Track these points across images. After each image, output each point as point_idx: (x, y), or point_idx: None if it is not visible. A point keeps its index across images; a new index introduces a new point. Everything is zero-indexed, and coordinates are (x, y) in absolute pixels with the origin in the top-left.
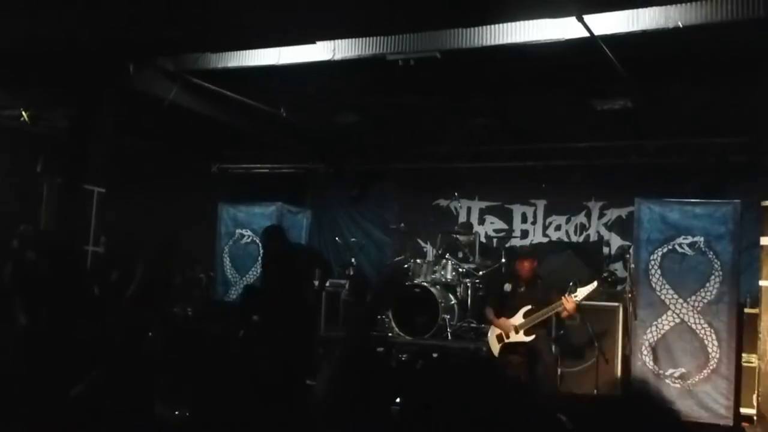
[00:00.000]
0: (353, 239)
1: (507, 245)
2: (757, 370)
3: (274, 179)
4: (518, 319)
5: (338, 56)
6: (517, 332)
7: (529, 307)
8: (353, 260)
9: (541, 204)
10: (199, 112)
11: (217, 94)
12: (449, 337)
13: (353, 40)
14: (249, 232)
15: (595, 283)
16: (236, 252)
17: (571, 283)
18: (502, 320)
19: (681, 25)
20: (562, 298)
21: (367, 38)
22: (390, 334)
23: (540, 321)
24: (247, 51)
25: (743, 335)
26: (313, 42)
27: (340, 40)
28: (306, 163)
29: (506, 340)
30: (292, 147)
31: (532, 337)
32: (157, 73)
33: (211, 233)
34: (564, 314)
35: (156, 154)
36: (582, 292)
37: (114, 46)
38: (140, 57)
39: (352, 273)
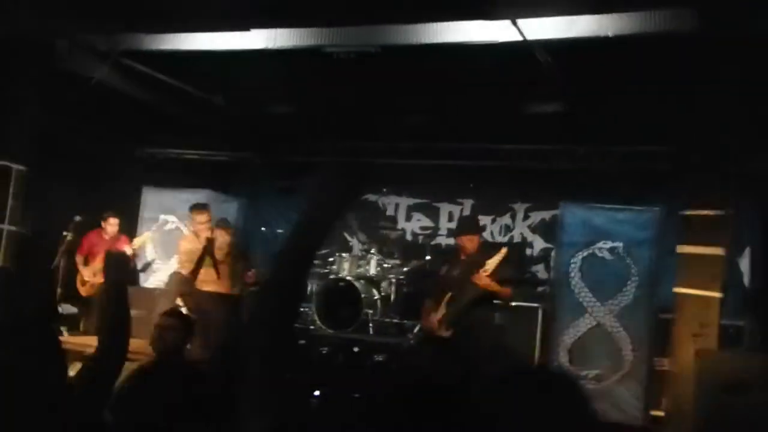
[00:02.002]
0: (280, 230)
1: (433, 243)
2: (668, 374)
3: (203, 166)
4: (442, 310)
5: (275, 45)
6: (439, 327)
7: (450, 294)
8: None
9: (468, 203)
10: (128, 94)
11: (148, 77)
12: (371, 332)
13: (290, 30)
14: (174, 218)
15: (504, 250)
16: (159, 238)
17: None
18: (430, 318)
19: (611, 35)
20: (475, 277)
21: (306, 29)
22: (312, 327)
23: (462, 311)
24: (182, 34)
25: (657, 340)
26: (247, 29)
27: (278, 30)
28: (236, 151)
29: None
30: (223, 134)
31: (451, 332)
32: (87, 52)
33: (133, 217)
34: (481, 289)
35: (82, 135)
36: (491, 263)
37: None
38: (68, 34)
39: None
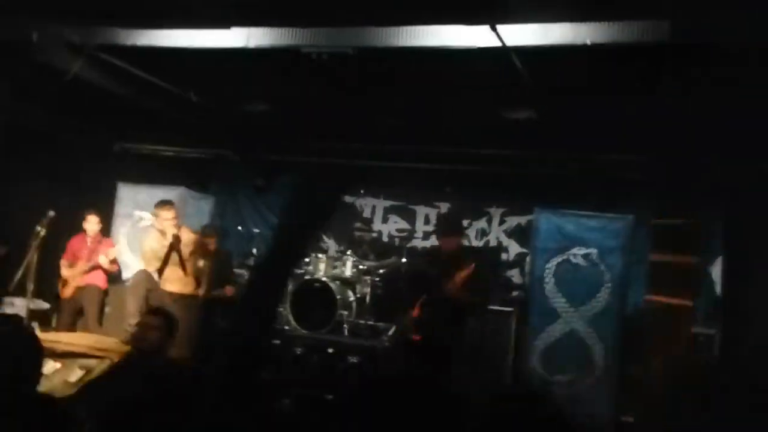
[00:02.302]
0: (255, 229)
1: (409, 245)
2: (638, 380)
3: (179, 163)
4: (416, 311)
5: (252, 44)
6: (413, 328)
7: (425, 296)
8: (254, 250)
9: (444, 207)
10: (105, 89)
11: (124, 72)
12: (346, 333)
13: (268, 29)
14: (148, 215)
15: (472, 267)
16: (134, 234)
17: None
18: (406, 317)
19: (589, 43)
20: (448, 283)
21: (283, 29)
22: (286, 328)
23: (436, 315)
24: (160, 30)
25: (628, 346)
26: (228, 27)
27: (255, 28)
28: (212, 149)
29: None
30: (200, 132)
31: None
32: (62, 45)
33: (108, 213)
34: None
35: (57, 129)
36: (460, 276)
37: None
38: (43, 25)
39: (252, 264)
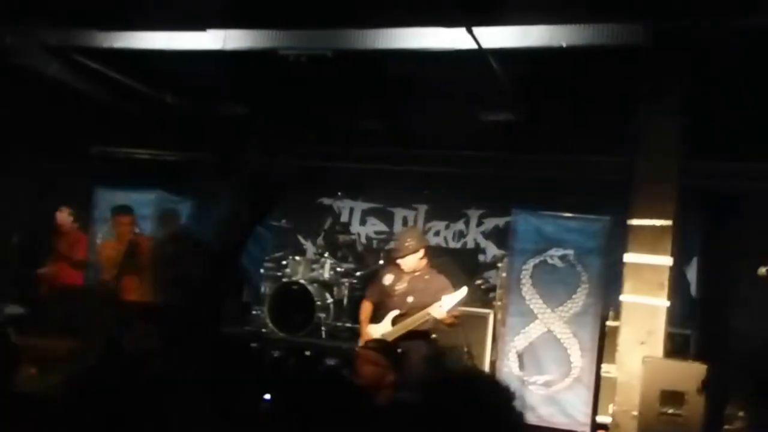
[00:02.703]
0: (238, 225)
1: (387, 248)
2: (614, 381)
3: (156, 166)
4: (386, 326)
5: (229, 46)
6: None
7: (397, 312)
8: None
9: (422, 209)
10: (80, 91)
11: (101, 74)
12: (323, 336)
13: (245, 31)
14: None
15: (465, 290)
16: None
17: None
18: (369, 329)
19: (564, 45)
20: (430, 308)
21: (259, 31)
22: (264, 330)
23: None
24: (136, 32)
25: (604, 347)
26: (204, 29)
27: (231, 30)
28: (190, 152)
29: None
30: (177, 135)
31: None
32: (38, 47)
33: (85, 216)
34: (435, 323)
35: (33, 130)
36: (447, 300)
37: None
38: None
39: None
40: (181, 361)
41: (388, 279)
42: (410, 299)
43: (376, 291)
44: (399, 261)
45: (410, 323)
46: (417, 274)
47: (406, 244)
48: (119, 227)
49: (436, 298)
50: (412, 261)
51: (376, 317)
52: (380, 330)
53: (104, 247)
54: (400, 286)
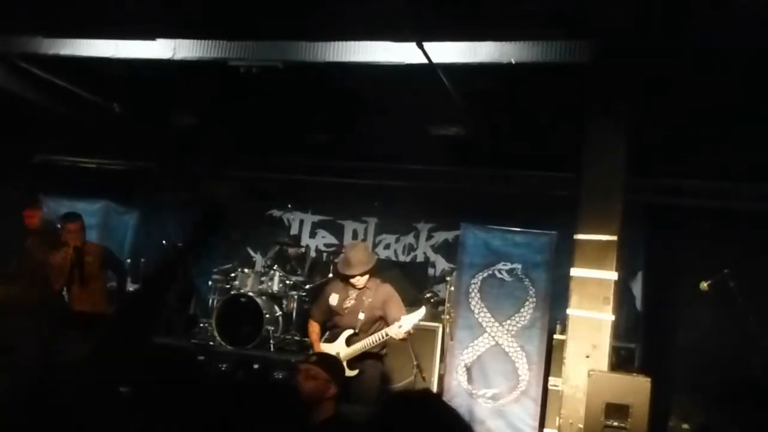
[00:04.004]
0: (180, 244)
1: (336, 260)
2: (561, 394)
3: (103, 175)
4: (340, 345)
5: (178, 56)
6: None
7: (352, 331)
8: None
9: (372, 222)
10: (25, 98)
11: (46, 81)
12: (272, 349)
13: (195, 41)
14: None
15: (423, 310)
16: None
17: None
18: (322, 347)
19: (513, 62)
20: (388, 328)
21: (210, 41)
22: (212, 343)
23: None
24: (83, 40)
25: (552, 360)
26: (153, 39)
27: (181, 40)
28: (137, 161)
29: None
30: (124, 144)
31: (356, 371)
32: None
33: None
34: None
35: None
36: (407, 320)
37: None
38: None
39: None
40: (114, 373)
41: (333, 299)
42: (362, 316)
43: (322, 311)
44: (352, 281)
45: (369, 344)
46: (361, 288)
47: (359, 264)
48: (68, 234)
49: (387, 311)
50: (362, 278)
51: (329, 336)
52: (335, 349)
53: (53, 257)
54: (348, 304)
